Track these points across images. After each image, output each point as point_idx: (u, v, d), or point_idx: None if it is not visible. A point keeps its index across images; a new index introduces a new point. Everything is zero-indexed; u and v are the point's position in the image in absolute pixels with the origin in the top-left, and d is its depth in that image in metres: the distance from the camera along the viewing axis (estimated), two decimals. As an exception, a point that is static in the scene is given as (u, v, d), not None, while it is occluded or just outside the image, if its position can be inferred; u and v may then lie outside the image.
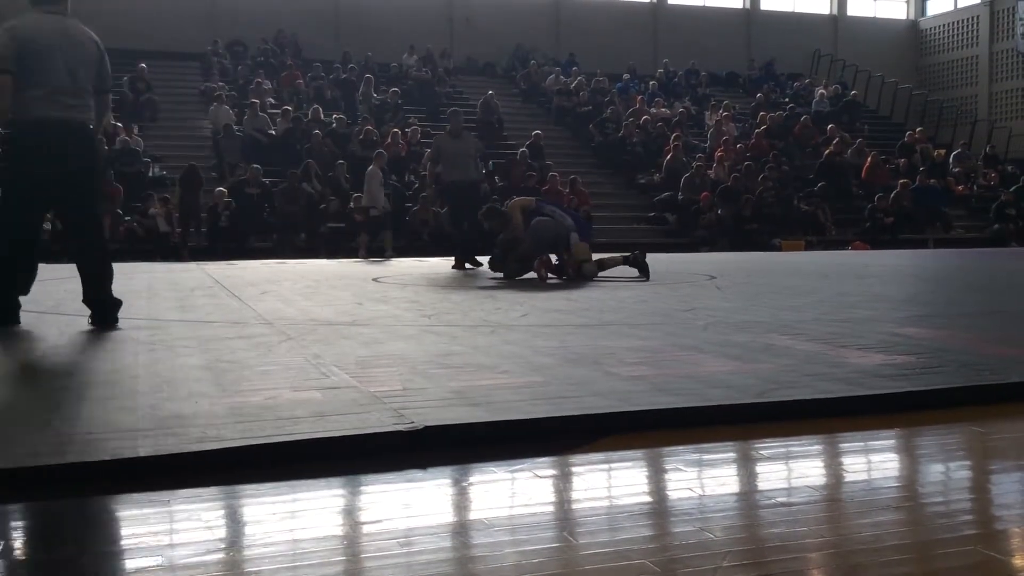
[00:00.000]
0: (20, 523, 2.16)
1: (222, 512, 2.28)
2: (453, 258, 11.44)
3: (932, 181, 20.79)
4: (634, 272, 9.21)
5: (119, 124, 18.04)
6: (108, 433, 2.67)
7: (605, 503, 2.31)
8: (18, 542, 2.04)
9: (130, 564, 1.91)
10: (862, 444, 2.92)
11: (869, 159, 21.40)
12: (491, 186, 17.92)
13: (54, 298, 7.31)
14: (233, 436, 2.64)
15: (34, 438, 2.63)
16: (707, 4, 29.26)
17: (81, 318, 5.79)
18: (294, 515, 2.20)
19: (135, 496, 2.30)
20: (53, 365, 3.90)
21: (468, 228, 11.39)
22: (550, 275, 9.03)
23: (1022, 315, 6.08)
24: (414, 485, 2.42)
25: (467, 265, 11.14)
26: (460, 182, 11.26)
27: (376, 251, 15.01)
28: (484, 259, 10.66)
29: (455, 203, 11.45)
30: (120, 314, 5.39)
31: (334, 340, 4.61)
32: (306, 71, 22.33)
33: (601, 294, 7.49)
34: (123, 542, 2.05)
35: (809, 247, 17.98)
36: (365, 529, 2.13)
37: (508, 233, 9.30)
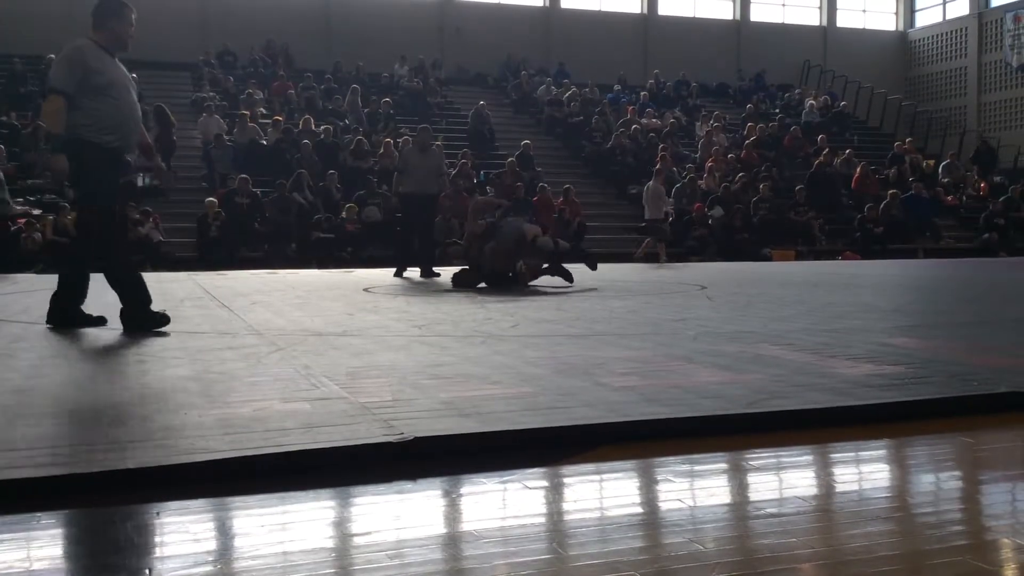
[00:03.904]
0: (5, 536, 2.14)
1: (211, 524, 2.26)
2: (395, 268, 11.96)
3: (923, 191, 20.89)
4: (623, 282, 9.39)
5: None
6: (96, 444, 2.66)
7: (595, 514, 2.31)
8: (3, 555, 2.02)
9: (117, 577, 1.90)
10: (852, 454, 2.93)
11: (859, 169, 21.50)
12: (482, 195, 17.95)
13: (43, 309, 7.28)
14: (222, 448, 2.63)
15: (22, 450, 2.61)
16: (697, 15, 29.39)
17: (71, 329, 5.78)
18: (283, 527, 2.19)
19: (122, 508, 2.29)
20: (42, 376, 3.88)
21: (419, 240, 11.92)
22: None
23: (1011, 325, 6.10)
24: (404, 496, 2.41)
25: (405, 275, 11.60)
26: (417, 194, 11.61)
27: (651, 256, 16.24)
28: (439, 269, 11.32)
29: (410, 214, 11.76)
30: (109, 324, 5.44)
31: (324, 351, 4.60)
32: (297, 81, 22.33)
33: (592, 304, 7.49)
34: (109, 555, 2.03)
35: (799, 257, 18.03)
36: (355, 541, 2.12)
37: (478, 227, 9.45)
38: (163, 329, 5.38)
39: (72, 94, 5.37)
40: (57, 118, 5.38)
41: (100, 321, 5.61)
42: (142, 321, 5.44)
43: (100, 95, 5.43)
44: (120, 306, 5.53)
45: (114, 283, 5.53)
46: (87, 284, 5.71)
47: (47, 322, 5.66)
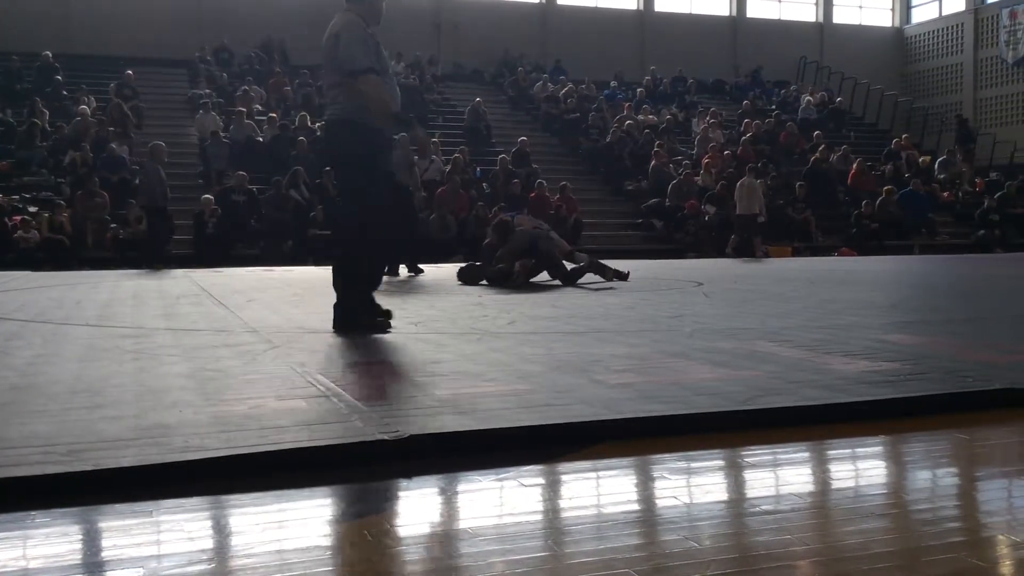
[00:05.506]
0: (0, 535, 2.13)
1: (206, 523, 2.26)
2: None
3: (921, 187, 20.89)
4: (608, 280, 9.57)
5: (112, 128, 18.07)
6: (91, 443, 2.65)
7: (591, 512, 2.31)
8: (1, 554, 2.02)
9: (112, 575, 1.89)
10: (848, 451, 2.93)
11: (855, 166, 21.50)
12: (479, 194, 17.93)
13: (39, 306, 7.27)
14: (217, 446, 2.62)
15: (16, 448, 2.60)
16: (693, 12, 29.38)
17: (67, 326, 5.76)
18: (278, 525, 2.19)
19: (117, 507, 2.28)
20: (37, 374, 3.87)
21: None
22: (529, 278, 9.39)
23: (1006, 321, 6.11)
24: (400, 494, 2.41)
25: (404, 273, 11.42)
26: None
27: (740, 251, 16.65)
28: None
29: None
30: (105, 322, 5.38)
31: (320, 348, 4.60)
32: (293, 77, 22.30)
33: (588, 301, 7.49)
34: (105, 553, 2.03)
35: (796, 253, 18.03)
36: (350, 539, 2.12)
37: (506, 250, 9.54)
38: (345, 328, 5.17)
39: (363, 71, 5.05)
40: (383, 95, 5.13)
41: (385, 325, 5.23)
42: (355, 322, 5.22)
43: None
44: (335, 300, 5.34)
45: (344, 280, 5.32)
46: (377, 279, 5.41)
47: (334, 329, 5.24)
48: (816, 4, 30.75)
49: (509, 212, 11.79)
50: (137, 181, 17.06)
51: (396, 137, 11.66)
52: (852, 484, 2.59)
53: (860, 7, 31.50)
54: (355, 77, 5.12)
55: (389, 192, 5.38)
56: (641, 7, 28.65)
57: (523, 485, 2.47)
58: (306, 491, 2.42)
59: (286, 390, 3.43)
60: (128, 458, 2.51)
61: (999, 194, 21.13)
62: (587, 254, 10.06)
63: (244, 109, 19.27)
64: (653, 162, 20.18)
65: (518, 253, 9.41)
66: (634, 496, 2.47)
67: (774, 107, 25.96)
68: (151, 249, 14.33)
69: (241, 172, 16.71)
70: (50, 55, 20.58)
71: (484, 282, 9.40)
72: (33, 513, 2.22)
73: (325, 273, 11.96)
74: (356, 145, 5.19)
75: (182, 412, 3.05)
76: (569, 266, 9.62)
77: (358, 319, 5.25)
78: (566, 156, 22.24)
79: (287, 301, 7.59)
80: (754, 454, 2.78)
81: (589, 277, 9.64)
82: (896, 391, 3.38)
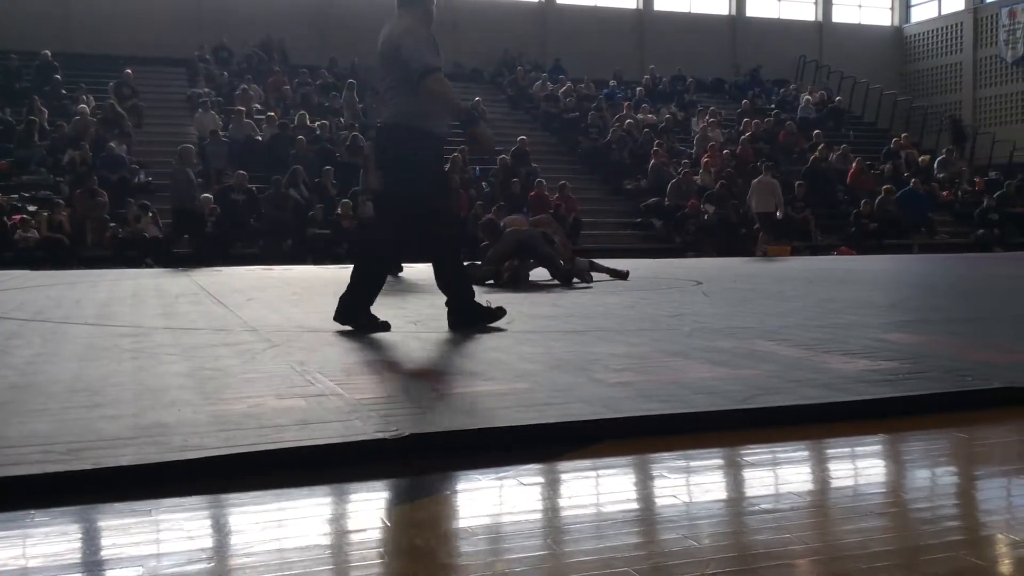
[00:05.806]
0: (1, 534, 2.13)
1: (205, 521, 2.26)
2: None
3: (920, 186, 20.90)
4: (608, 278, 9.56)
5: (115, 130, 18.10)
6: (90, 442, 2.65)
7: (590, 511, 2.31)
8: (-2, 553, 2.02)
9: (111, 575, 1.89)
10: (847, 450, 2.93)
11: (854, 165, 21.51)
12: (478, 193, 17.93)
13: (38, 305, 7.27)
14: (216, 445, 2.62)
15: (16, 447, 2.60)
16: (693, 11, 29.38)
17: (66, 325, 5.76)
18: (278, 524, 2.19)
19: (116, 506, 2.28)
20: (37, 373, 3.87)
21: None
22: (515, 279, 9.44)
23: (1006, 321, 6.11)
24: (398, 493, 2.40)
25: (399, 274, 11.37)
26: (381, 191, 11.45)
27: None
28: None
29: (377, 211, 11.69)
30: (104, 321, 5.38)
31: (319, 347, 4.60)
32: (292, 76, 22.29)
33: (588, 300, 7.49)
34: (104, 552, 2.03)
35: (795, 253, 18.04)
36: (349, 538, 2.12)
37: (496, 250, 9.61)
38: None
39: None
40: (452, 92, 5.20)
41: (385, 326, 5.23)
42: (474, 317, 5.31)
43: None
44: (447, 306, 5.39)
45: (445, 286, 5.36)
46: (381, 285, 5.43)
47: (335, 319, 5.28)
48: (815, 3, 30.77)
49: (508, 213, 11.81)
50: (137, 180, 17.12)
51: None
52: (851, 483, 2.59)
53: (859, 6, 31.52)
54: (426, 77, 5.09)
55: (444, 197, 5.41)
56: (640, 6, 28.66)
57: (522, 484, 2.47)
58: (305, 490, 2.42)
59: (285, 389, 3.43)
60: (127, 457, 2.51)
61: (998, 193, 21.15)
62: (587, 260, 10.05)
63: (243, 108, 19.28)
64: (652, 161, 20.20)
65: (507, 254, 9.40)
66: (633, 495, 2.47)
67: (773, 106, 25.98)
68: (167, 249, 14.41)
69: (240, 171, 16.71)
70: (49, 54, 20.58)
71: (490, 282, 9.40)
72: (32, 512, 2.22)
73: (325, 272, 11.97)
74: (410, 149, 5.20)
75: (181, 411, 3.05)
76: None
77: (358, 317, 5.26)
78: (565, 155, 22.24)
79: (286, 300, 7.59)
80: (753, 453, 2.77)
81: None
82: (895, 390, 3.38)
